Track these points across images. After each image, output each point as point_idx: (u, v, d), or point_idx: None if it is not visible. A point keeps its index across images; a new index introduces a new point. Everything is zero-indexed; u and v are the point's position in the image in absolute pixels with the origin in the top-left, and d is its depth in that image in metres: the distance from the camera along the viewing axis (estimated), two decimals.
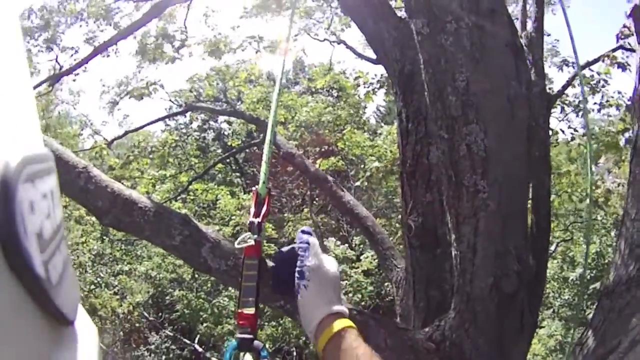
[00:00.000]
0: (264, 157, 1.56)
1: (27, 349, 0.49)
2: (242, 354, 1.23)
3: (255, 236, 1.30)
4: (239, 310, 1.26)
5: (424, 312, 4.10)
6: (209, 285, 16.27)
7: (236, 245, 1.31)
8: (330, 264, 1.33)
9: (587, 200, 9.87)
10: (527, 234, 2.83)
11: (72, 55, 10.74)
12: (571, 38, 3.52)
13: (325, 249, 13.58)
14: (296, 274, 1.27)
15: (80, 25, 10.41)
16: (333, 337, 1.23)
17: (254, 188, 1.46)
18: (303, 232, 1.35)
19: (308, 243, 1.31)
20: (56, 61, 10.59)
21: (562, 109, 10.28)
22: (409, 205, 4.14)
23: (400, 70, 4.16)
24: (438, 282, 4.07)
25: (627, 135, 9.82)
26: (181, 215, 3.56)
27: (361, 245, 14.62)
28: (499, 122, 2.41)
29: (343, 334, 1.23)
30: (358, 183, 10.74)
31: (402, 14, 4.70)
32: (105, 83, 12.02)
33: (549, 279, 14.75)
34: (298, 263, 1.28)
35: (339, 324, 1.24)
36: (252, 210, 1.39)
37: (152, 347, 15.67)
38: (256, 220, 1.33)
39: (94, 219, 14.18)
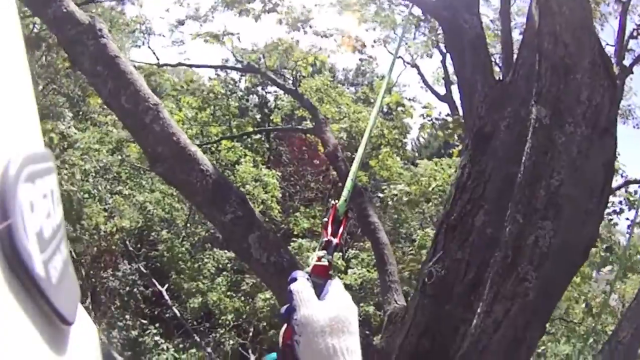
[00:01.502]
0: (351, 175, 1.49)
1: (27, 349, 0.49)
2: None
3: (330, 257, 1.25)
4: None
5: (408, 355, 4.17)
6: (197, 239, 16.22)
7: (310, 261, 1.24)
8: (326, 309, 1.11)
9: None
10: (545, 327, 2.96)
11: None
12: None
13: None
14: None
15: None
16: None
17: (332, 202, 1.38)
18: (289, 281, 1.17)
19: (291, 292, 1.15)
20: None
21: None
22: (437, 254, 4.19)
23: (480, 127, 4.20)
24: (433, 333, 4.13)
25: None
26: (239, 193, 3.55)
27: (353, 260, 14.64)
28: (569, 229, 2.54)
29: None
30: (381, 195, 10.78)
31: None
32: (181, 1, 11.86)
33: None
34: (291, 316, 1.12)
35: None
36: (329, 227, 1.33)
37: (119, 274, 15.58)
38: (335, 240, 1.29)
39: (114, 129, 14.24)
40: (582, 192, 2.51)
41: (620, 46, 8.56)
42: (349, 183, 1.46)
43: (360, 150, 1.63)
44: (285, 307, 1.15)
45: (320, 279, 1.20)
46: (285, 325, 1.14)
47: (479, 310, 2.86)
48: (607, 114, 2.51)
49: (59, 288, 0.55)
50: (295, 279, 1.16)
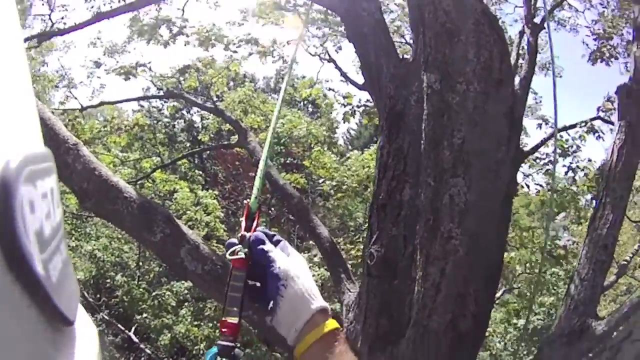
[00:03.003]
0: (259, 172, 1.55)
1: (27, 349, 0.49)
2: None
3: (245, 249, 1.32)
4: (223, 319, 1.28)
5: (372, 338, 4.24)
6: (152, 275, 16.06)
7: (227, 256, 1.32)
8: (300, 260, 1.33)
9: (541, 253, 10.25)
10: (488, 280, 3.05)
11: (63, 17, 10.60)
12: (555, 102, 3.76)
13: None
14: (270, 279, 1.27)
15: None
16: (324, 337, 1.22)
17: (245, 202, 1.45)
18: (256, 242, 1.32)
19: (263, 249, 1.31)
20: (49, 18, 10.41)
21: (532, 165, 10.74)
22: (374, 236, 4.27)
23: (391, 107, 4.31)
24: (389, 311, 4.21)
25: (587, 197, 10.36)
26: (165, 212, 3.62)
27: (309, 263, 14.64)
28: (483, 181, 2.64)
29: (334, 336, 1.23)
30: (321, 188, 10.91)
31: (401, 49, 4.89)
32: (95, 41, 11.72)
33: (497, 324, 15.13)
34: (269, 270, 1.27)
35: (330, 324, 1.24)
36: (243, 224, 1.40)
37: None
38: (248, 235, 1.35)
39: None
40: (487, 144, 2.61)
41: (529, 6, 8.85)
42: (257, 181, 1.52)
43: (265, 149, 1.67)
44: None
45: (240, 270, 1.31)
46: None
47: (417, 277, 2.95)
48: (499, 66, 2.61)
49: (59, 288, 0.55)
50: (262, 241, 1.33)
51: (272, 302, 1.28)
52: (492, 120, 2.60)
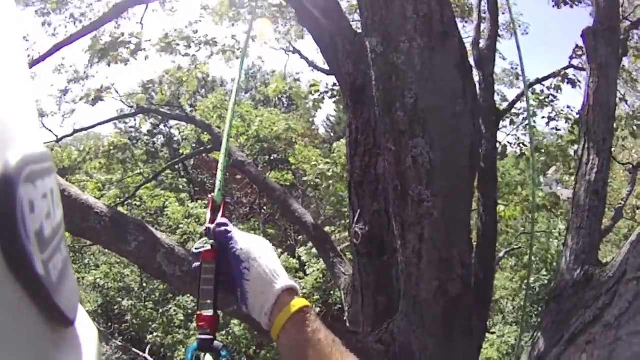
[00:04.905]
0: (220, 166, 1.56)
1: (28, 349, 0.49)
2: (202, 354, 1.25)
3: (212, 241, 1.31)
4: (199, 312, 1.28)
5: (372, 317, 4.20)
6: (157, 294, 16.05)
7: (194, 250, 1.32)
8: (261, 240, 1.32)
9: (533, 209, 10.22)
10: (471, 241, 2.98)
11: (28, 49, 10.49)
12: (519, 53, 3.71)
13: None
14: (233, 262, 1.26)
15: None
16: (293, 316, 1.20)
17: (209, 195, 1.46)
18: (219, 225, 1.32)
19: (227, 230, 1.31)
20: None
21: (512, 121, 10.70)
22: (356, 214, 4.24)
23: (352, 84, 4.26)
24: (385, 287, 4.17)
25: (575, 147, 10.32)
26: (137, 221, 3.60)
27: (305, 256, 14.64)
28: (444, 137, 2.57)
29: (303, 315, 1.20)
30: (306, 178, 10.89)
31: (357, 26, 4.82)
32: (59, 68, 11.61)
33: (503, 287, 15.15)
34: (230, 251, 1.27)
35: (297, 303, 1.21)
36: (208, 216, 1.40)
37: (103, 358, 15.24)
38: (212, 226, 1.34)
39: None
40: (441, 99, 2.53)
41: None
42: (219, 174, 1.52)
43: (224, 142, 1.70)
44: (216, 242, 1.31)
45: (209, 262, 1.30)
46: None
47: (398, 247, 2.89)
48: (440, 18, 2.53)
49: (59, 288, 0.55)
50: (226, 224, 1.32)
51: (239, 289, 1.26)
52: (443, 74, 2.53)
